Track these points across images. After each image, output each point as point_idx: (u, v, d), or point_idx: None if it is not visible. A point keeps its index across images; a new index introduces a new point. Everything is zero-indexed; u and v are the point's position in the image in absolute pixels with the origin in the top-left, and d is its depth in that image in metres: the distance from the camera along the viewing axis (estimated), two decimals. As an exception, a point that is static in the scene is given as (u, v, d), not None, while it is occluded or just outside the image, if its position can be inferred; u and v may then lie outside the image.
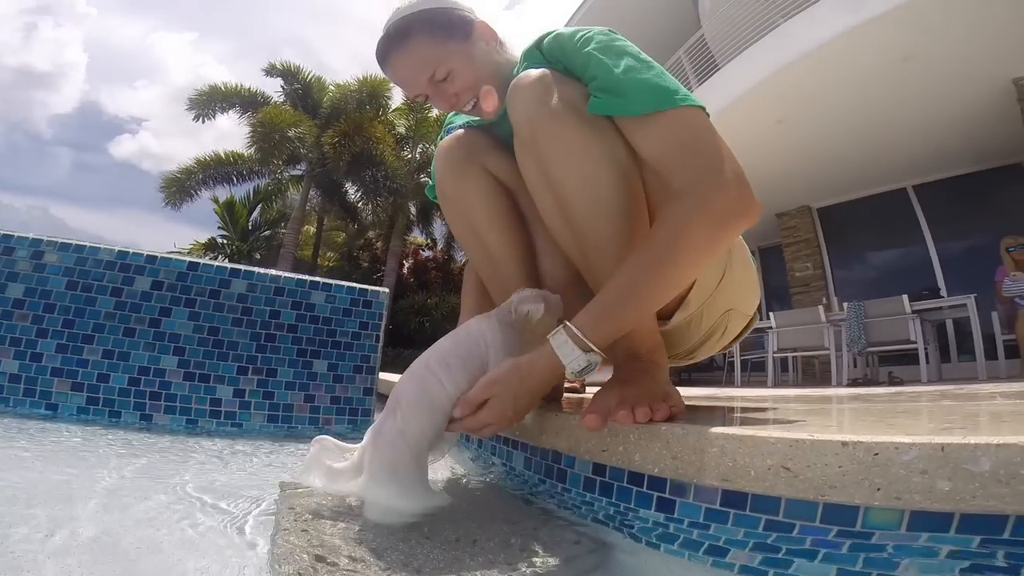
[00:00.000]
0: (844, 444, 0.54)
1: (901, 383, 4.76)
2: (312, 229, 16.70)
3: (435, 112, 14.50)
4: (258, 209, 16.52)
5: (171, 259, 1.18)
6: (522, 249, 1.04)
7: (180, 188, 13.82)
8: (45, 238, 1.24)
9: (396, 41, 0.93)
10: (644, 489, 0.71)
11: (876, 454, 0.51)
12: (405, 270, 16.64)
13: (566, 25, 1.09)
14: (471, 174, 1.02)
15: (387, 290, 1.24)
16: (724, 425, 0.67)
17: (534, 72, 0.85)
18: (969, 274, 7.12)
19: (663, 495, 0.68)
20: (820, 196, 8.96)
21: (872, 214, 8.53)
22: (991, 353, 5.18)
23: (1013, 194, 7.00)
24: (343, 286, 1.21)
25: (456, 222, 1.07)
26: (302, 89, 14.13)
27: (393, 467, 0.71)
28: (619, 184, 0.82)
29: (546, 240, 1.02)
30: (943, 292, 6.83)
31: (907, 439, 0.50)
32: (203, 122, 13.73)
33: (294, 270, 13.22)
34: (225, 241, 15.82)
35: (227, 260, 14.50)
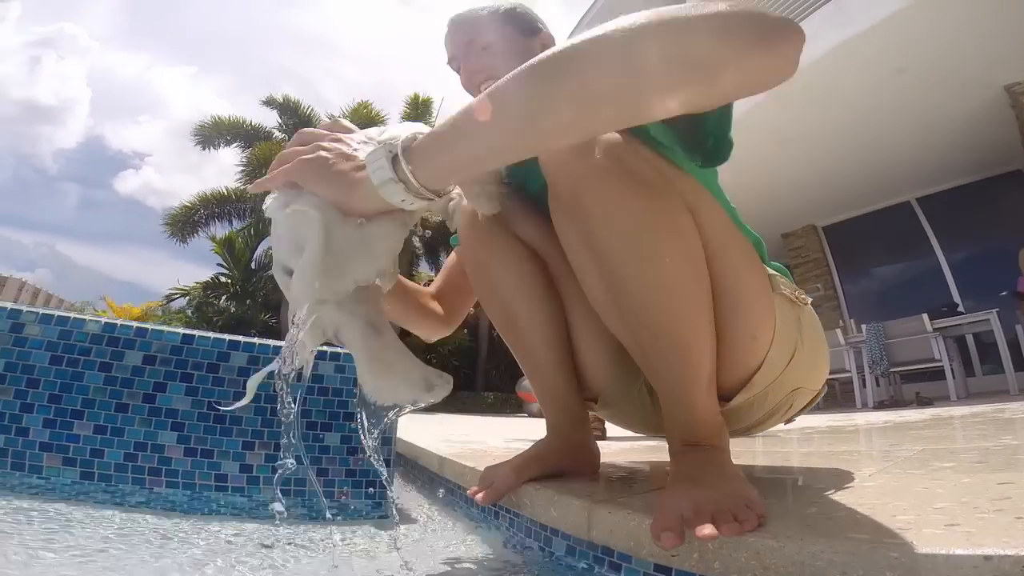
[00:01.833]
0: (987, 558, 0.43)
1: (930, 403, 4.64)
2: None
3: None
4: (261, 247, 16.54)
5: (163, 331, 1.08)
6: (553, 321, 0.94)
7: (184, 223, 13.86)
8: (24, 308, 1.14)
9: (474, 4, 0.99)
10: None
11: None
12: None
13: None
14: (497, 241, 0.93)
15: None
16: (803, 508, 0.56)
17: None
18: (982, 283, 7.07)
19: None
20: (825, 214, 8.94)
21: (878, 229, 8.49)
22: (1019, 364, 5.06)
23: (1016, 201, 6.97)
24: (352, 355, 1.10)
25: (481, 288, 0.98)
26: (300, 123, 14.19)
27: None
28: (681, 259, 0.70)
29: (582, 312, 0.92)
30: (959, 304, 6.74)
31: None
32: (208, 150, 13.93)
33: (299, 308, 13.18)
34: (228, 280, 15.74)
35: (229, 300, 14.43)
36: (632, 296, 0.71)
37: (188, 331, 1.10)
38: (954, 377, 5.04)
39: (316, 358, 1.12)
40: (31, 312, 1.15)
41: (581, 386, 0.99)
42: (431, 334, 1.12)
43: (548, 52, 0.51)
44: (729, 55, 0.49)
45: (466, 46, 0.98)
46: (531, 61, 0.51)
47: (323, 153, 0.61)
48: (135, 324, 1.10)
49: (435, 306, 1.12)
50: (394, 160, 0.56)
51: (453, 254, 1.20)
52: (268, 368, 0.64)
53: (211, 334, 1.10)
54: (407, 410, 0.66)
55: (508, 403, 12.42)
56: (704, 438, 0.73)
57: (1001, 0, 4.74)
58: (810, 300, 0.87)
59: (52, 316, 1.13)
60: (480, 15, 0.98)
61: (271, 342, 1.10)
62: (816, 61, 5.64)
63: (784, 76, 0.52)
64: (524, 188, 0.98)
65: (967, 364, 6.26)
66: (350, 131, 0.67)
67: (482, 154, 0.57)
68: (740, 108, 5.73)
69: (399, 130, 0.62)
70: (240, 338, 1.10)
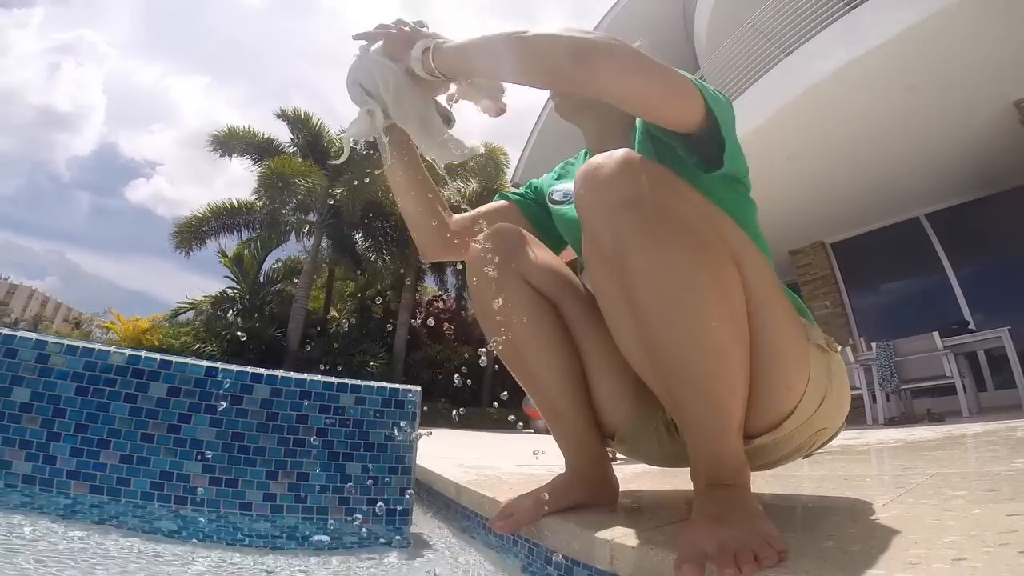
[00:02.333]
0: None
1: (941, 419, 4.61)
2: (322, 279, 16.67)
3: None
4: (269, 260, 16.63)
5: (187, 364, 1.10)
6: (570, 368, 0.95)
7: (193, 234, 13.88)
8: (50, 340, 1.16)
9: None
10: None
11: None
12: (417, 321, 16.57)
13: None
14: (509, 286, 0.94)
15: (419, 389, 1.15)
16: (820, 541, 0.57)
17: (620, 157, 0.73)
18: (992, 299, 7.04)
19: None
20: (833, 231, 8.91)
21: (887, 246, 8.45)
22: (1031, 378, 4.96)
23: None
24: (373, 387, 1.13)
25: (492, 333, 0.98)
26: (311, 138, 14.31)
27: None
28: (724, 319, 0.70)
29: (599, 355, 0.93)
30: (969, 320, 6.70)
31: None
32: (221, 158, 13.99)
33: (306, 324, 13.23)
34: (236, 294, 15.82)
35: (237, 315, 14.48)
36: (669, 352, 0.71)
37: (212, 364, 1.12)
38: (965, 392, 4.99)
39: (338, 390, 1.15)
40: (56, 343, 1.17)
41: (598, 423, 1.00)
42: (424, 237, 1.11)
43: (531, 33, 0.79)
44: (564, 63, 0.76)
45: None
46: (521, 34, 0.79)
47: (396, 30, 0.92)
48: (159, 356, 1.12)
49: (447, 220, 1.12)
50: (424, 51, 0.88)
51: (492, 205, 1.23)
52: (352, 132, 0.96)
53: (234, 367, 1.12)
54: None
55: (515, 419, 12.38)
56: (728, 478, 0.73)
57: (1009, 14, 4.72)
58: (839, 348, 0.88)
59: (77, 348, 1.16)
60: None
61: (293, 375, 1.12)
62: (826, 79, 5.65)
63: (584, 83, 0.77)
64: (558, 214, 1.06)
65: (978, 378, 6.16)
66: (417, 27, 0.94)
67: (478, 68, 0.89)
68: (749, 125, 5.79)
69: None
70: (263, 371, 1.12)
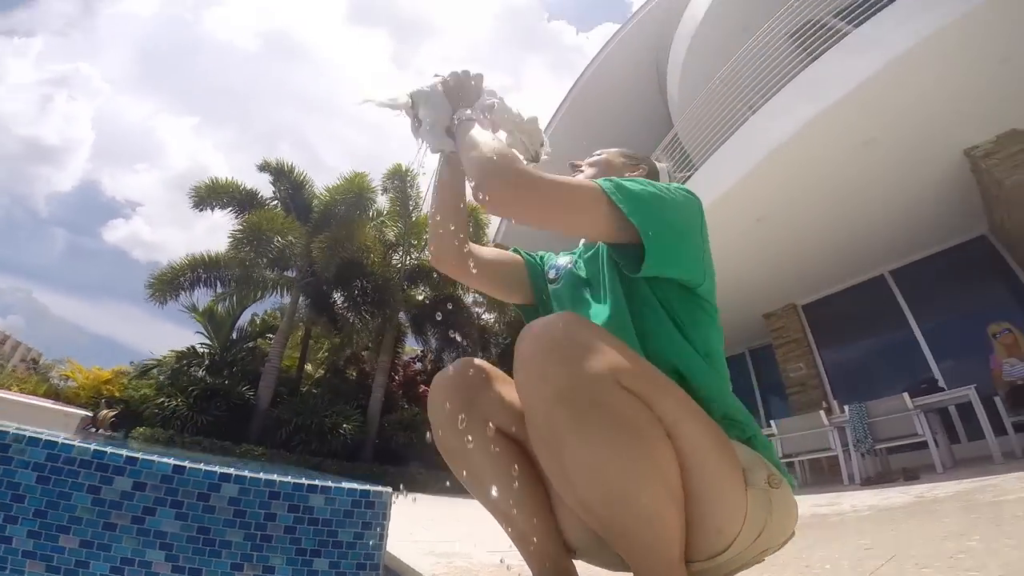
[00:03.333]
0: None
1: (916, 477, 4.66)
2: (297, 336, 16.33)
3: (424, 212, 14.68)
4: (246, 315, 16.34)
5: (152, 461, 1.10)
6: (536, 500, 0.98)
7: (169, 285, 13.39)
8: (12, 430, 1.15)
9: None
10: None
11: None
12: (394, 383, 16.31)
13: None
14: (472, 429, 0.96)
15: (390, 490, 1.16)
16: None
17: (554, 335, 0.76)
18: (958, 353, 7.19)
19: None
20: (804, 292, 9.16)
21: (855, 305, 8.70)
22: (1000, 429, 5.09)
23: (982, 266, 7.20)
24: (343, 488, 1.13)
25: (459, 471, 1.01)
26: (292, 189, 14.17)
27: None
28: (657, 497, 0.74)
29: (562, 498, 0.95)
30: (939, 378, 6.85)
31: None
32: (202, 211, 13.58)
33: (278, 384, 12.87)
34: (206, 350, 15.47)
35: (205, 371, 14.07)
36: (605, 518, 0.76)
37: (179, 462, 1.11)
38: (938, 447, 5.11)
39: (308, 491, 1.14)
40: (18, 434, 1.16)
41: (562, 539, 1.01)
42: (439, 245, 1.16)
43: (480, 140, 0.94)
44: (474, 178, 0.89)
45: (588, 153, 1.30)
46: (476, 140, 0.95)
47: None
48: (124, 452, 1.12)
49: (463, 244, 1.16)
50: (448, 129, 1.09)
51: (506, 252, 1.30)
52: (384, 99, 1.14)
53: (202, 465, 1.11)
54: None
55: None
56: None
57: (964, 62, 4.90)
58: (784, 481, 0.88)
59: (39, 439, 1.15)
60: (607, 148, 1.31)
61: (263, 476, 1.12)
62: (789, 138, 5.81)
63: (494, 202, 0.86)
64: (562, 281, 1.17)
65: (950, 430, 6.29)
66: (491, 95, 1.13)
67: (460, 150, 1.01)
68: (719, 189, 5.93)
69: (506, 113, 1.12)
70: (231, 471, 1.12)
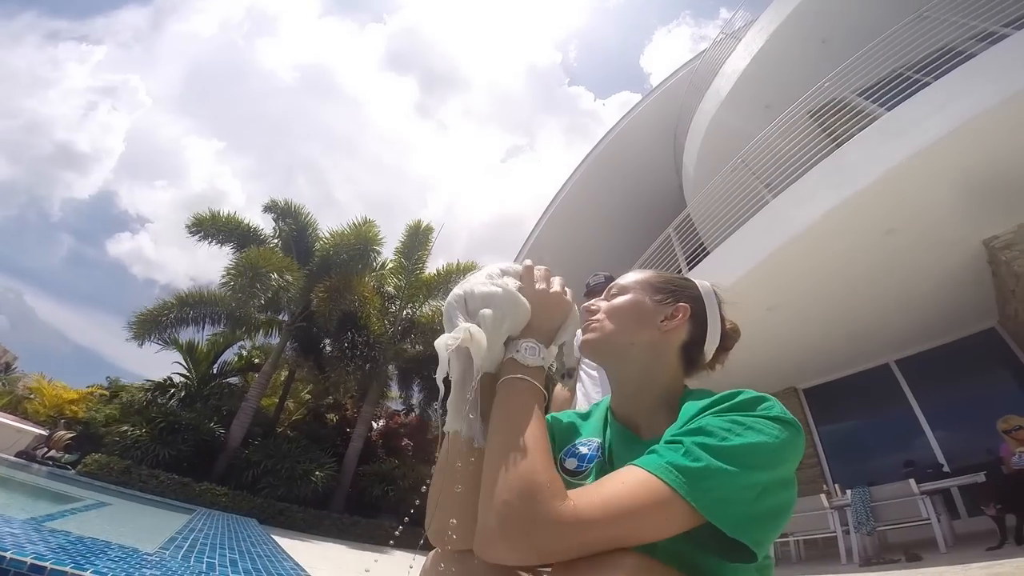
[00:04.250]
0: None
1: (919, 558, 4.55)
2: (279, 377, 15.76)
3: (427, 271, 14.51)
4: (229, 351, 15.90)
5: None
6: None
7: (153, 324, 12.86)
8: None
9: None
10: None
11: None
12: (374, 433, 15.78)
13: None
14: None
15: None
16: None
17: None
18: (961, 439, 7.00)
19: None
20: (805, 377, 9.00)
21: (857, 391, 8.53)
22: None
23: (991, 359, 7.10)
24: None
25: None
26: (297, 232, 13.80)
27: None
28: None
29: None
30: (944, 464, 6.68)
31: None
32: (200, 240, 13.07)
33: (253, 424, 12.21)
34: (184, 380, 14.91)
35: (178, 403, 13.46)
36: None
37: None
38: (941, 525, 5.06)
39: None
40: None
41: None
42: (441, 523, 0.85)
43: (510, 462, 0.71)
44: (500, 525, 0.66)
45: (606, 286, 1.09)
46: (508, 457, 0.72)
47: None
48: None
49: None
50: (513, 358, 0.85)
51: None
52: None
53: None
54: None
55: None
56: None
57: (987, 152, 4.77)
58: None
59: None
60: (639, 271, 1.03)
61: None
62: (811, 225, 5.53)
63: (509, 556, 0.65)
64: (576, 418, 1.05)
65: (950, 505, 6.04)
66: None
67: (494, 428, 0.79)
68: (733, 274, 5.67)
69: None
70: None
